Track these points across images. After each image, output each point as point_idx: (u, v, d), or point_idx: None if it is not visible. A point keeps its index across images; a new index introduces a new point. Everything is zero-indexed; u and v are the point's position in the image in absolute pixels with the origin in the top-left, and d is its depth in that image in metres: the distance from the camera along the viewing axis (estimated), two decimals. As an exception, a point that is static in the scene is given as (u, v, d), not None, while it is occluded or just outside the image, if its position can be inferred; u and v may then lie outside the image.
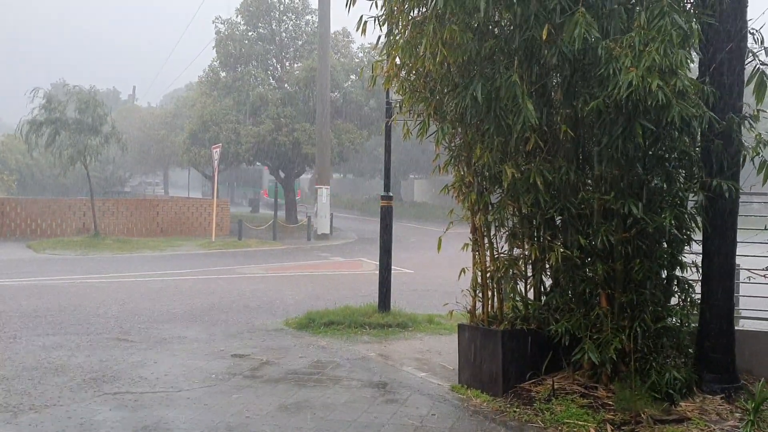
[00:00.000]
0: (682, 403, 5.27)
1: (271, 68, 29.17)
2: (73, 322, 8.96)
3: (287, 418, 5.28)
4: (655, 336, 5.42)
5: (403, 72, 6.29)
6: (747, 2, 5.52)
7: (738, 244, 5.65)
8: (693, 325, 5.69)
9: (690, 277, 5.72)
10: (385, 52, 6.27)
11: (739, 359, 5.69)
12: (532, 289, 6.17)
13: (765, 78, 5.21)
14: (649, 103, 4.81)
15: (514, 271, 6.00)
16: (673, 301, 5.69)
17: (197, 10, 39.22)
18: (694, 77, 5.35)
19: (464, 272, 6.21)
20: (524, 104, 5.03)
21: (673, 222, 5.27)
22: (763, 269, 6.10)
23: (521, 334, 5.84)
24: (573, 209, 5.60)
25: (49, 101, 20.89)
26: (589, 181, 5.78)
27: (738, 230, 5.64)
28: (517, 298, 6.08)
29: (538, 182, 5.40)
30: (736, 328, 5.80)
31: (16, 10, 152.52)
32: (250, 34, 28.63)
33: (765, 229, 5.76)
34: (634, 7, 5.24)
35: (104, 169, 37.88)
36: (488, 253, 6.13)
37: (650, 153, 5.49)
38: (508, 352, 5.75)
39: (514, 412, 5.35)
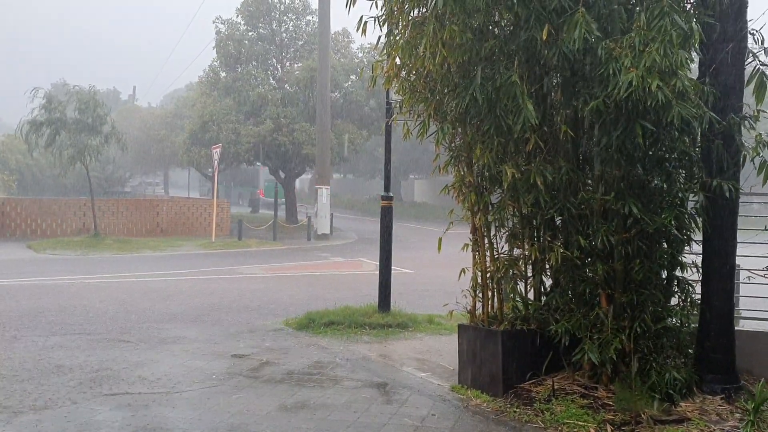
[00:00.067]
0: (682, 404, 5.27)
1: (271, 68, 29.17)
2: (73, 322, 8.96)
3: (287, 418, 5.28)
4: (656, 336, 5.42)
5: (403, 72, 6.29)
6: (747, 2, 5.52)
7: (738, 244, 5.65)
8: (693, 325, 5.69)
9: (690, 278, 5.72)
10: (385, 52, 6.27)
11: (739, 359, 5.68)
12: (532, 290, 6.17)
13: (765, 78, 5.21)
14: (649, 103, 4.80)
15: (514, 272, 6.00)
16: (674, 301, 5.69)
17: (197, 10, 39.26)
18: (694, 77, 5.35)
19: (464, 272, 6.21)
20: (524, 104, 5.03)
21: (673, 222, 5.28)
22: (763, 269, 6.10)
23: (521, 335, 5.84)
24: (573, 209, 5.60)
25: (49, 101, 20.88)
26: (589, 181, 5.78)
27: (738, 230, 5.64)
28: (517, 299, 6.08)
29: (539, 182, 5.41)
30: (736, 328, 5.79)
31: (16, 10, 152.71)
32: (250, 34, 28.65)
33: (765, 229, 5.76)
34: (634, 8, 5.25)
35: (104, 169, 37.85)
36: (488, 253, 6.13)
37: (650, 153, 5.49)
38: (508, 353, 5.75)
39: (514, 412, 5.35)
